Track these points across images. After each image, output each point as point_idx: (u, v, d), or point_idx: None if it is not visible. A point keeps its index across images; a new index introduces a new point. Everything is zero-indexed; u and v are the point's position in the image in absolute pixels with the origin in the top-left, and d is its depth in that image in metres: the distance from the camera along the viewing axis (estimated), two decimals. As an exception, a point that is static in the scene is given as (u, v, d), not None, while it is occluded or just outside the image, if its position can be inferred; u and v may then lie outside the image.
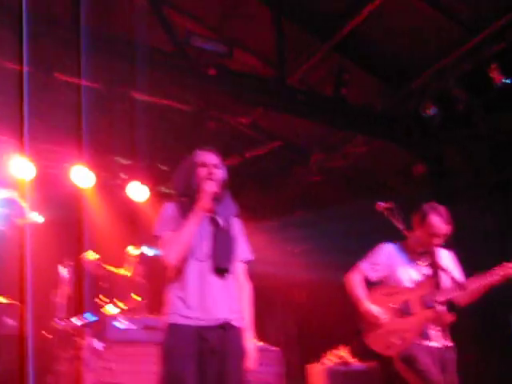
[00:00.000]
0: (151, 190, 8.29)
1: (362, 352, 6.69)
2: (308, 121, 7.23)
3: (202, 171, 3.43)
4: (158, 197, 8.58)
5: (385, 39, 6.34)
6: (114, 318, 5.59)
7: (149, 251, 8.06)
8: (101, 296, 6.34)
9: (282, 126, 7.89)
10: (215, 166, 3.46)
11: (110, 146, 7.82)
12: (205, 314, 3.22)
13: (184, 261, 3.28)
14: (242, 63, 6.74)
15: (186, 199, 3.43)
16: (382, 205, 3.92)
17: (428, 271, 4.08)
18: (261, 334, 6.11)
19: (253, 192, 8.69)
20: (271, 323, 8.82)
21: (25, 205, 5.60)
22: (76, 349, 5.45)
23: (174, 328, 3.24)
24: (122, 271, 6.86)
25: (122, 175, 8.33)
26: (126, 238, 7.92)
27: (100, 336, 5.42)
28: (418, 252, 4.19)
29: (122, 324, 5.49)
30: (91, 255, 6.44)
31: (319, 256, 8.04)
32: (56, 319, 5.70)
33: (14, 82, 5.79)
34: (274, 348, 6.12)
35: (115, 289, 6.49)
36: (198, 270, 3.28)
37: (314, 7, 6.26)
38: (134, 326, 5.54)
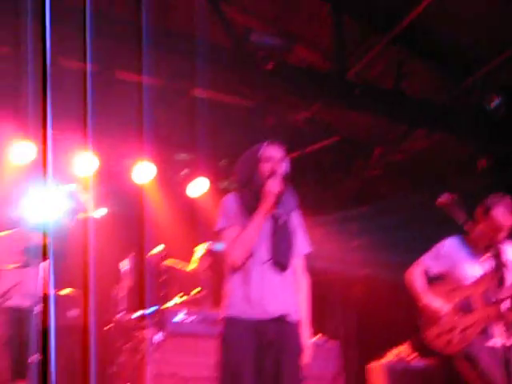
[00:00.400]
0: (211, 184, 8.35)
1: (422, 349, 6.58)
2: (367, 115, 7.15)
3: (267, 165, 3.42)
4: (218, 192, 8.65)
5: (446, 29, 6.18)
6: (172, 310, 5.66)
7: (216, 246, 8.14)
8: (162, 289, 6.43)
9: (341, 121, 7.82)
10: (280, 160, 3.45)
11: (171, 141, 7.91)
12: (263, 308, 3.24)
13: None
14: (301, 58, 6.72)
15: (248, 192, 3.44)
16: (444, 198, 3.83)
17: (491, 266, 3.96)
18: (320, 328, 6.11)
19: (311, 187, 8.66)
20: (330, 318, 8.76)
21: (88, 199, 5.73)
22: (136, 341, 5.56)
23: (232, 321, 3.27)
24: (186, 265, 6.95)
25: (183, 170, 8.44)
26: (187, 232, 8.02)
27: (159, 328, 5.50)
28: (482, 246, 4.07)
29: (180, 316, 5.56)
30: (156, 249, 6.56)
31: (377, 250, 7.95)
32: (117, 312, 5.82)
33: (78, 79, 5.96)
34: (332, 342, 6.11)
35: (177, 282, 6.58)
36: (258, 265, 3.29)
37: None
38: (192, 319, 5.60)
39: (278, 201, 3.33)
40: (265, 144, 3.50)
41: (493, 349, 3.92)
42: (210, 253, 6.90)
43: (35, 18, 5.02)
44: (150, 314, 5.81)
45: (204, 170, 8.30)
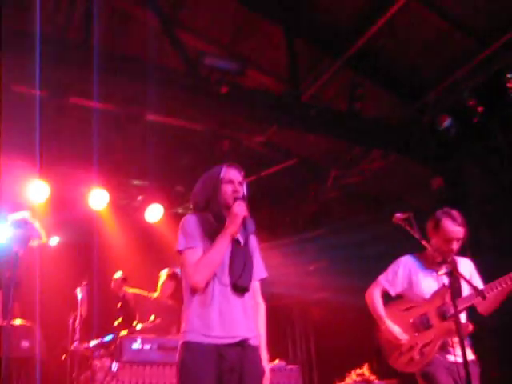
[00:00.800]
0: (166, 210, 8.27)
1: (382, 370, 6.57)
2: (323, 137, 7.19)
3: (229, 187, 3.38)
4: (174, 218, 8.58)
5: (398, 53, 6.31)
6: (128, 338, 5.54)
7: (179, 270, 8.01)
8: (119, 317, 6.31)
9: (297, 144, 7.85)
10: (240, 184, 3.42)
11: (125, 167, 7.82)
12: (224, 332, 3.15)
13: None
14: (255, 81, 6.74)
15: (209, 213, 3.37)
16: (399, 216, 3.84)
17: (446, 280, 3.97)
18: (279, 352, 6.05)
19: (268, 210, 8.66)
20: (289, 342, 8.71)
21: (39, 226, 5.60)
22: (92, 370, 5.41)
23: (192, 346, 3.15)
24: (145, 292, 6.83)
25: (137, 196, 8.35)
26: (143, 258, 7.92)
27: (115, 357, 5.37)
28: (437, 262, 4.09)
29: (136, 344, 5.44)
30: (116, 275, 6.45)
31: (334, 273, 7.95)
32: (72, 341, 5.67)
33: (29, 106, 5.86)
34: (292, 366, 6.05)
35: (141, 309, 6.49)
36: (218, 289, 3.22)
37: (326, 23, 6.25)
38: (148, 347, 5.48)
39: (243, 224, 3.29)
40: (225, 166, 3.46)
41: (452, 364, 3.91)
42: (172, 278, 6.80)
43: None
44: (106, 342, 5.68)
45: (159, 195, 8.22)
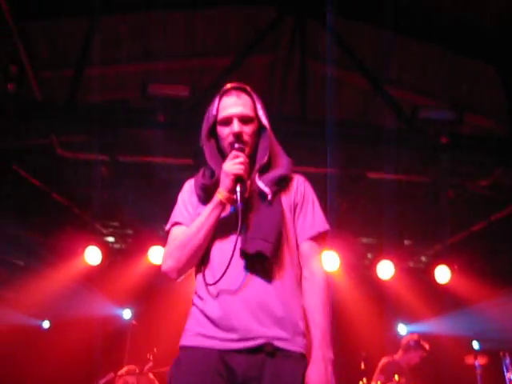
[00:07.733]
0: (397, 266, 8.22)
1: None
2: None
3: (225, 131, 2.40)
4: (406, 272, 8.53)
5: None
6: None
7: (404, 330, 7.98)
8: (363, 377, 6.34)
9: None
10: (243, 121, 2.39)
11: (353, 226, 7.94)
12: (232, 331, 2.16)
13: (187, 271, 2.37)
14: (473, 125, 6.59)
15: (208, 172, 2.46)
16: None
17: None
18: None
19: (507, 256, 8.23)
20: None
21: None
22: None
23: (185, 351, 2.22)
24: None
25: (368, 254, 8.45)
26: (378, 316, 7.93)
27: None
28: None
29: None
30: None
31: None
32: None
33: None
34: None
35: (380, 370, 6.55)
36: (225, 259, 2.24)
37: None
38: None
39: (242, 184, 2.30)
40: (219, 96, 2.45)
41: None
42: (418, 347, 6.74)
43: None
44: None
45: (388, 251, 8.19)
